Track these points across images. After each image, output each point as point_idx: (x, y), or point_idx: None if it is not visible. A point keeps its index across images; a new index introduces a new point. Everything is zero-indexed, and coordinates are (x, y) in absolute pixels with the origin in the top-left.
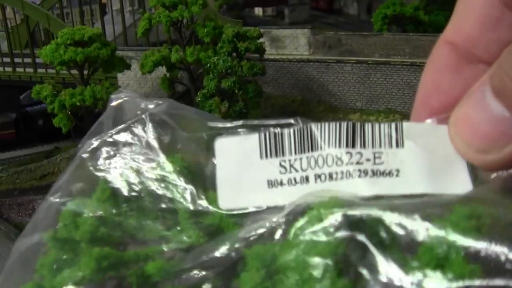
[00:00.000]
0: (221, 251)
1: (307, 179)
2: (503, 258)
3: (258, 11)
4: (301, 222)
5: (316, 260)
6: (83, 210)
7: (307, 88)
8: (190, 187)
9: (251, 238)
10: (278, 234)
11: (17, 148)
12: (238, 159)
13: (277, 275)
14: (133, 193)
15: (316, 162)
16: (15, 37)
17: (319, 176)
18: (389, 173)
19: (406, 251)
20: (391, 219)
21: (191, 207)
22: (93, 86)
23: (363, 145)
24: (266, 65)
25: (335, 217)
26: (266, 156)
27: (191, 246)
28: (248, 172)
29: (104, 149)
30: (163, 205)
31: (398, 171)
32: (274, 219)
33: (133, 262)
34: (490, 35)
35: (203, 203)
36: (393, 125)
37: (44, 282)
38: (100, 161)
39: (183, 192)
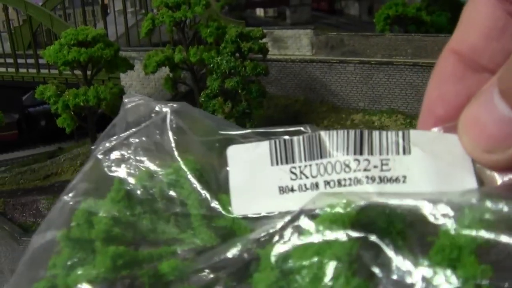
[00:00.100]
0: (234, 252)
1: (317, 185)
2: None
3: (259, 12)
4: (313, 222)
5: (331, 259)
6: (97, 210)
7: (310, 88)
8: (202, 190)
9: (264, 239)
10: (290, 234)
11: (20, 149)
12: (250, 166)
13: (291, 274)
14: (147, 195)
15: (325, 168)
16: (18, 37)
17: (328, 183)
18: (396, 180)
19: (418, 250)
20: (408, 207)
21: (204, 209)
22: (97, 86)
23: (371, 152)
24: (269, 65)
25: (349, 216)
26: (277, 163)
27: (204, 247)
28: (260, 178)
29: (118, 151)
30: (176, 207)
31: (405, 177)
32: (286, 219)
33: (147, 262)
34: (495, 45)
35: (215, 205)
36: (400, 133)
37: (57, 280)
38: (115, 163)
39: (196, 195)
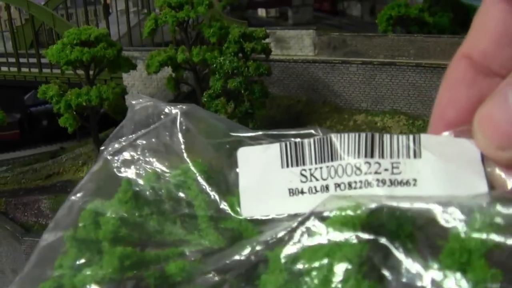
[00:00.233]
0: (242, 254)
1: (327, 187)
2: None
3: (261, 12)
4: (324, 224)
5: (341, 261)
6: (104, 210)
7: (312, 89)
8: (211, 191)
9: (273, 241)
10: (300, 236)
11: (22, 149)
12: (260, 168)
13: (301, 276)
14: (154, 196)
15: (336, 171)
16: (20, 37)
17: (339, 185)
18: (407, 183)
19: (428, 253)
20: (418, 209)
21: (211, 211)
22: (99, 86)
23: (382, 155)
24: (271, 65)
25: (359, 218)
26: (287, 165)
27: (211, 249)
28: (270, 180)
29: (127, 152)
30: (183, 208)
31: (415, 180)
32: (296, 221)
33: (154, 263)
34: (506, 51)
35: (223, 207)
36: (411, 137)
37: (63, 280)
38: (124, 163)
39: (203, 196)
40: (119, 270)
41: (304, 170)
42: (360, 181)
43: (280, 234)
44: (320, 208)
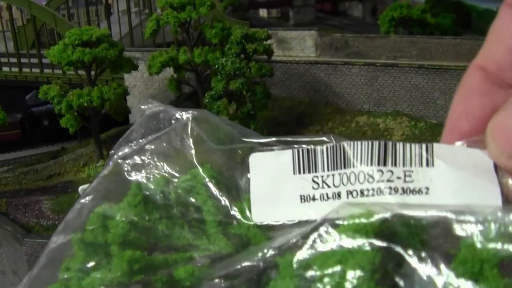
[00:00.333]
0: (252, 260)
1: (339, 195)
2: None
3: (262, 12)
4: (337, 230)
5: (354, 269)
6: (113, 214)
7: (314, 90)
8: (219, 197)
9: (284, 247)
10: (312, 243)
11: (23, 149)
12: (271, 174)
13: (313, 283)
14: (163, 200)
15: (348, 178)
16: (22, 37)
17: (351, 192)
18: (419, 191)
19: (441, 261)
20: (430, 217)
21: (220, 216)
22: (101, 87)
23: (394, 163)
24: (273, 66)
25: (372, 226)
26: (299, 171)
27: (219, 254)
28: (281, 186)
29: (137, 156)
30: (192, 213)
31: (427, 189)
32: (308, 228)
33: (162, 267)
34: None
35: (232, 213)
36: (423, 146)
37: (70, 283)
38: (134, 167)
39: (212, 202)
40: (128, 274)
41: (316, 177)
42: (373, 189)
43: (293, 240)
44: (333, 215)
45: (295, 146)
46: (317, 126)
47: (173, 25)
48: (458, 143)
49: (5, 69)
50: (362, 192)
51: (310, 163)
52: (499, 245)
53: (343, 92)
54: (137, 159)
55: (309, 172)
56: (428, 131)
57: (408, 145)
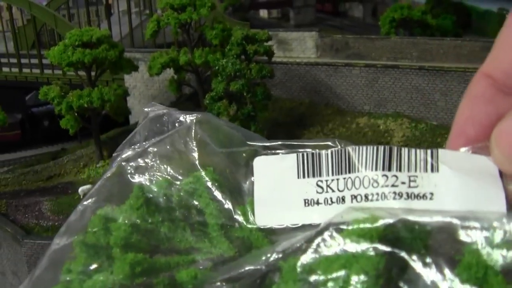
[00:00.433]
0: (255, 264)
1: (343, 199)
2: None
3: (263, 13)
4: (341, 235)
5: (358, 273)
6: (115, 216)
7: (315, 91)
8: (221, 199)
9: (288, 251)
10: (316, 247)
11: (23, 149)
12: (275, 178)
13: (316, 287)
14: (166, 203)
15: (353, 183)
16: (22, 37)
17: (355, 197)
18: (423, 196)
19: (445, 267)
20: (435, 223)
21: (222, 219)
22: (101, 88)
23: (399, 168)
24: (274, 67)
25: (376, 231)
26: (304, 175)
27: (221, 257)
28: (285, 190)
29: (140, 159)
30: (194, 216)
31: (432, 194)
32: (313, 232)
33: (164, 270)
34: None
35: (234, 216)
36: (429, 151)
37: (72, 285)
38: (137, 170)
39: (215, 205)
40: (130, 277)
41: (321, 181)
42: (377, 194)
43: (297, 244)
44: (338, 220)
45: (300, 150)
46: (317, 127)
47: (173, 26)
48: (463, 149)
49: (5, 69)
50: (366, 196)
51: (314, 167)
52: (503, 252)
53: (344, 93)
54: (140, 161)
55: (313, 176)
56: (429, 133)
57: (413, 150)
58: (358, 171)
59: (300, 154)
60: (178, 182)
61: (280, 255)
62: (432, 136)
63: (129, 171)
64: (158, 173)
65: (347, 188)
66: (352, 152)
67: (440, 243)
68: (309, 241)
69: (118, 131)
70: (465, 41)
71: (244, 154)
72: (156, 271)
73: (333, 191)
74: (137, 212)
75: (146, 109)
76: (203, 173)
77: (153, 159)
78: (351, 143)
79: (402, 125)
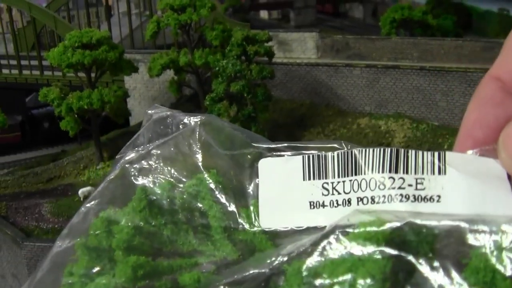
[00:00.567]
0: (260, 267)
1: (349, 201)
2: None
3: (263, 14)
4: (347, 238)
5: (364, 277)
6: (118, 218)
7: (315, 92)
8: (224, 202)
9: (293, 254)
10: (322, 250)
11: (23, 151)
12: (280, 180)
13: None
14: (169, 205)
15: (359, 185)
16: (22, 39)
17: (362, 199)
18: (430, 199)
19: (453, 271)
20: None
21: (225, 222)
22: (101, 89)
23: (406, 171)
24: (274, 68)
25: (383, 234)
26: (309, 178)
27: (225, 260)
28: (291, 192)
29: (144, 161)
30: (197, 219)
31: (439, 197)
32: (318, 235)
33: (167, 273)
34: None
35: (238, 218)
36: (436, 154)
37: None
38: (141, 172)
39: (218, 207)
40: (132, 280)
41: (326, 183)
42: (384, 196)
43: (302, 247)
44: (344, 222)
45: (305, 152)
46: (318, 128)
47: (173, 27)
48: (471, 152)
49: (5, 71)
50: (373, 199)
51: (320, 170)
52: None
53: (345, 94)
54: (144, 163)
55: (319, 178)
56: (430, 133)
57: (420, 152)
58: (364, 173)
59: (306, 156)
60: (181, 185)
61: (285, 258)
62: (434, 136)
63: (132, 173)
64: (162, 176)
65: (353, 191)
66: (358, 154)
67: (447, 247)
68: (315, 244)
69: (118, 133)
70: (466, 41)
71: (248, 156)
72: (159, 274)
73: (339, 193)
74: (139, 214)
75: (149, 111)
76: (206, 175)
77: (157, 161)
78: (357, 145)
79: (403, 126)
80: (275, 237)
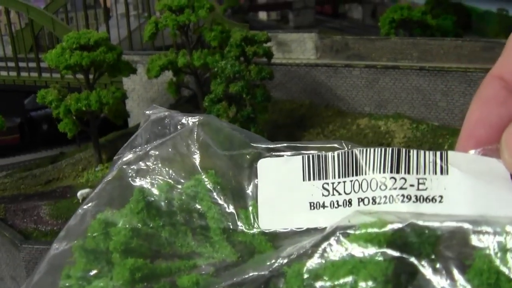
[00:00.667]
0: (260, 269)
1: (350, 202)
2: None
3: (262, 15)
4: (348, 240)
5: (366, 280)
6: (115, 220)
7: (315, 93)
8: (223, 203)
9: (293, 256)
10: (323, 252)
11: (22, 153)
12: (280, 180)
13: None
14: (167, 207)
15: (360, 186)
16: (20, 41)
17: (362, 200)
18: (433, 199)
19: (456, 272)
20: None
21: (224, 223)
22: (99, 91)
23: (408, 171)
24: (273, 69)
25: (385, 235)
26: (309, 178)
27: (224, 262)
28: (290, 193)
29: (142, 162)
30: (195, 220)
31: (441, 197)
32: (318, 236)
33: (165, 275)
34: None
35: (237, 220)
36: (438, 153)
37: None
38: (138, 173)
39: (216, 208)
40: (130, 282)
41: (327, 183)
42: (385, 197)
43: (302, 249)
44: (344, 224)
45: (305, 152)
46: (317, 129)
47: (171, 28)
48: (473, 151)
49: (3, 73)
50: (374, 199)
51: (320, 170)
52: None
53: (344, 94)
54: (141, 164)
55: (319, 178)
56: (430, 133)
57: (422, 152)
58: (365, 173)
59: (306, 156)
60: (180, 186)
61: (285, 260)
62: (434, 137)
63: (130, 175)
64: (160, 177)
65: (354, 191)
66: (359, 154)
67: (450, 248)
68: (315, 245)
69: (117, 134)
70: (466, 41)
71: (247, 156)
72: (157, 276)
73: (339, 194)
74: (137, 216)
75: (147, 112)
76: (204, 176)
77: (155, 162)
78: (358, 145)
79: (403, 126)
80: (274, 239)
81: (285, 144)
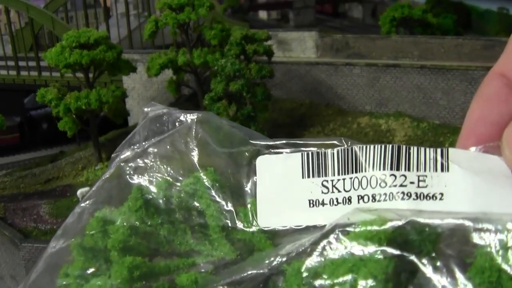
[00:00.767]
0: (259, 267)
1: (349, 199)
2: None
3: (262, 14)
4: (347, 238)
5: (366, 278)
6: (114, 218)
7: (315, 92)
8: (222, 201)
9: (293, 254)
10: (322, 250)
11: (21, 152)
12: (279, 178)
13: None
14: (166, 205)
15: (360, 183)
16: (20, 40)
17: (362, 197)
18: (433, 197)
19: (457, 271)
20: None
21: (223, 221)
22: (99, 89)
23: (408, 168)
24: (273, 68)
25: (385, 233)
26: (309, 175)
27: (223, 260)
28: (289, 191)
29: (140, 159)
30: (194, 218)
31: (442, 194)
32: (317, 234)
33: (164, 274)
34: None
35: (235, 217)
36: (439, 150)
37: None
38: (136, 170)
39: (215, 206)
40: (128, 281)
41: (326, 181)
42: (385, 194)
43: (301, 247)
44: (344, 221)
45: (304, 149)
46: (318, 127)
47: (171, 27)
48: (473, 148)
49: (3, 72)
50: (373, 197)
51: (320, 167)
52: None
53: (345, 93)
54: (139, 162)
55: (318, 176)
56: (431, 132)
57: (422, 149)
58: (365, 170)
59: (305, 153)
60: (178, 183)
61: (284, 258)
62: (435, 135)
63: (128, 172)
64: (158, 174)
65: (354, 188)
66: (358, 151)
67: (451, 246)
68: (314, 243)
69: (116, 133)
70: (466, 40)
71: (246, 154)
72: (156, 275)
73: (339, 191)
74: (136, 214)
75: (146, 109)
76: (203, 174)
77: (153, 160)
78: (358, 142)
79: (404, 125)
80: (274, 237)
81: (284, 141)
